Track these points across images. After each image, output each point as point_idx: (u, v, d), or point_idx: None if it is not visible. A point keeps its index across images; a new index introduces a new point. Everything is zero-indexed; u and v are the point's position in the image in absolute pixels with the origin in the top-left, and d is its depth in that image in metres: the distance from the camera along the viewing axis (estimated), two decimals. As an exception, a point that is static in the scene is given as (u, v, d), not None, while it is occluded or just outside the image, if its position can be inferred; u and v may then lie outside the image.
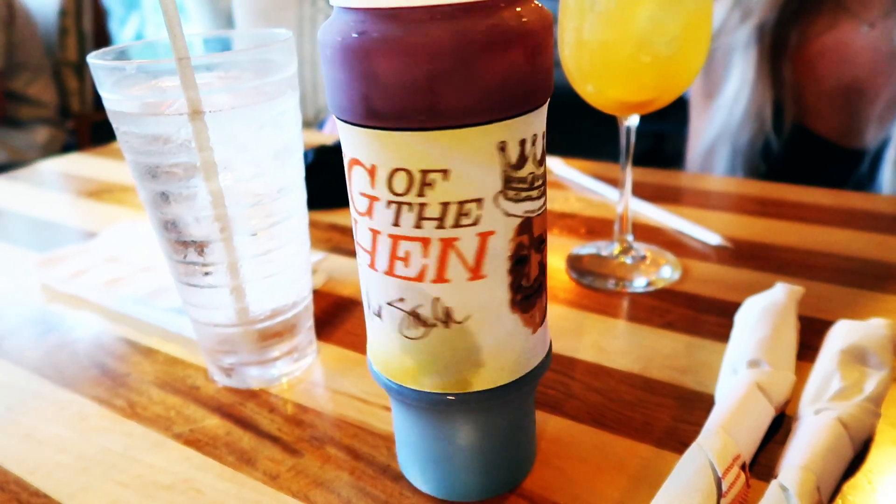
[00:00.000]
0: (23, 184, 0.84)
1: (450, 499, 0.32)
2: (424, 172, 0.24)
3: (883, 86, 0.80)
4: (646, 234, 0.59)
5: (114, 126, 0.36)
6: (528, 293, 0.28)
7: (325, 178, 0.62)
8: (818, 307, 0.46)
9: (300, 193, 0.40)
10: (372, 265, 0.27)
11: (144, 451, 0.37)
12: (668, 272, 0.52)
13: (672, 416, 0.37)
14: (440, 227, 0.25)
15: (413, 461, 0.33)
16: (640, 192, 0.67)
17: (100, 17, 2.39)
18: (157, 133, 0.34)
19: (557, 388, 0.40)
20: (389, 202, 0.25)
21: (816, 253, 0.54)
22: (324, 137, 0.91)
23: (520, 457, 0.33)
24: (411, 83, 0.23)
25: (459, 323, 0.27)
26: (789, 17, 0.81)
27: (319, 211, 0.64)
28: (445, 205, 0.25)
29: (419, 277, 0.26)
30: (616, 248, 0.54)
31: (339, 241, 0.60)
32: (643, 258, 0.53)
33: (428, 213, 0.25)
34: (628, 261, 0.53)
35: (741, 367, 0.37)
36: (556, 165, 0.76)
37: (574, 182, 0.72)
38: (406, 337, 0.28)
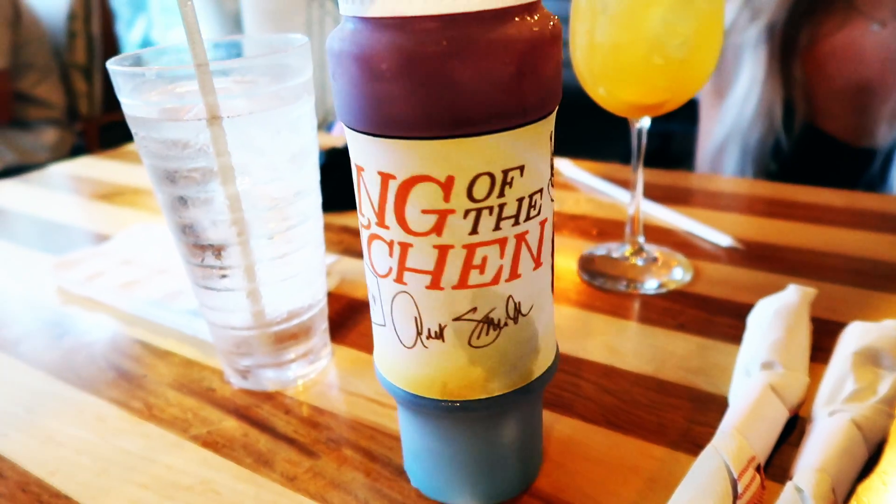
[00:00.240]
0: (35, 187, 0.84)
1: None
2: (505, 172, 0.25)
3: (894, 85, 0.80)
4: (656, 235, 0.59)
5: (132, 131, 0.36)
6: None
7: (337, 180, 0.62)
8: (830, 308, 0.46)
9: (315, 197, 0.40)
10: (435, 285, 0.26)
11: (163, 453, 0.37)
12: (679, 274, 0.52)
13: (686, 417, 0.37)
14: (516, 223, 0.26)
15: (435, 474, 0.32)
16: (650, 193, 0.67)
17: (108, 20, 2.40)
18: (175, 138, 0.35)
19: (571, 390, 0.40)
20: (468, 211, 0.25)
21: (828, 254, 0.54)
22: (333, 139, 0.92)
23: (536, 457, 0.34)
24: (505, 85, 0.23)
25: (525, 315, 0.28)
26: (799, 16, 0.81)
27: (331, 213, 0.65)
28: (520, 200, 0.25)
29: (495, 280, 0.26)
30: (627, 250, 0.54)
31: (351, 244, 0.61)
32: (654, 260, 0.54)
33: (506, 212, 0.25)
34: (640, 262, 0.53)
35: (755, 369, 0.37)
36: (566, 167, 0.76)
37: (583, 183, 0.73)
38: (475, 347, 0.27)
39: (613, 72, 0.46)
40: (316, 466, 0.35)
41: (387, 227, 0.26)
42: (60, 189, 0.85)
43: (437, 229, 0.25)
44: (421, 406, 0.29)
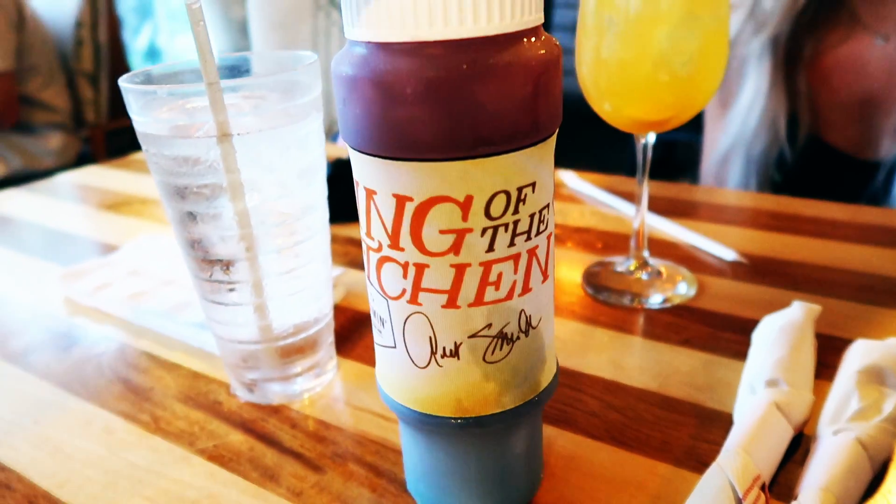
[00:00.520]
0: (42, 195, 0.85)
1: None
2: (520, 189, 0.25)
3: None
4: (660, 248, 0.59)
5: (143, 147, 0.37)
6: None
7: (343, 191, 0.62)
8: (835, 324, 0.46)
9: (323, 212, 0.41)
10: (452, 304, 0.26)
11: (170, 467, 0.37)
12: (683, 288, 0.52)
13: (691, 434, 0.37)
14: (528, 238, 0.26)
15: (444, 492, 0.32)
16: (654, 205, 0.67)
17: (114, 27, 2.41)
18: (186, 155, 0.35)
19: (575, 406, 0.40)
20: (485, 229, 0.25)
21: (832, 269, 0.54)
22: (338, 150, 0.92)
23: (539, 469, 0.34)
24: (523, 104, 0.24)
25: (534, 328, 0.28)
26: (803, 29, 0.82)
27: (337, 224, 0.65)
28: (532, 216, 0.26)
29: (509, 295, 0.27)
30: (632, 264, 0.54)
31: (356, 256, 0.61)
32: (659, 274, 0.54)
33: (520, 228, 0.26)
34: (644, 277, 0.53)
35: (759, 387, 0.37)
36: (570, 179, 0.76)
37: (588, 196, 0.73)
38: (489, 362, 0.27)
39: (619, 88, 0.47)
40: (322, 481, 0.36)
41: (401, 249, 0.26)
42: (67, 198, 0.85)
43: (455, 248, 0.25)
44: (434, 425, 0.29)
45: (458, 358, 0.27)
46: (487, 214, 0.25)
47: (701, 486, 0.31)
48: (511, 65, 0.23)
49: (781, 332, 0.41)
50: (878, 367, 0.37)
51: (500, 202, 0.25)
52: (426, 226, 0.25)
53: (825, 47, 0.83)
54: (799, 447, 0.35)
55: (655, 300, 0.51)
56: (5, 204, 0.82)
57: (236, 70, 0.41)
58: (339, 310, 0.52)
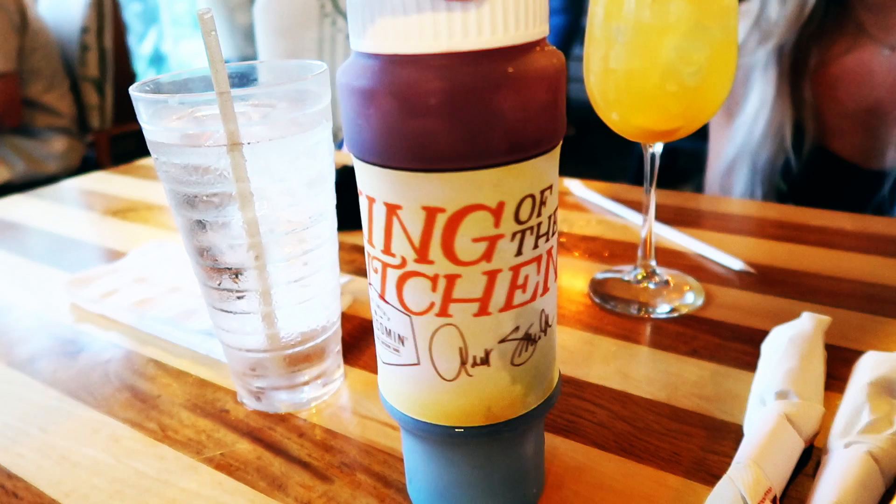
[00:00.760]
0: (48, 201, 0.85)
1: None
2: (542, 192, 0.26)
3: None
4: (667, 257, 0.59)
5: (152, 155, 0.37)
6: None
7: (349, 199, 0.62)
8: (844, 335, 0.46)
9: (332, 220, 0.41)
10: (483, 311, 0.26)
11: (177, 475, 0.37)
12: (691, 298, 0.52)
13: (700, 446, 0.37)
14: (547, 240, 0.27)
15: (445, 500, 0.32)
16: (661, 214, 0.67)
17: (120, 33, 2.42)
18: (196, 163, 0.35)
19: (584, 416, 0.40)
20: (514, 234, 0.26)
21: (840, 279, 0.54)
22: (343, 157, 0.92)
23: (540, 476, 0.34)
24: (546, 110, 0.25)
25: (550, 326, 0.29)
26: (808, 39, 0.82)
27: (343, 232, 0.65)
28: (549, 217, 0.27)
29: (533, 297, 0.27)
30: (639, 273, 0.54)
31: (362, 263, 0.61)
32: (666, 283, 0.54)
33: (542, 230, 0.27)
34: (651, 286, 0.53)
35: (769, 399, 0.37)
36: (576, 187, 0.76)
37: (594, 204, 0.73)
38: (516, 365, 0.28)
39: (627, 98, 0.47)
40: (330, 491, 0.36)
41: (430, 262, 0.26)
42: (73, 204, 0.85)
43: (487, 256, 0.26)
44: (462, 437, 0.29)
45: (489, 365, 0.27)
46: (517, 219, 0.25)
47: (712, 498, 0.31)
48: (539, 71, 0.24)
49: (791, 343, 0.40)
50: (889, 379, 0.37)
51: (527, 206, 0.25)
52: (459, 236, 0.25)
53: (831, 57, 0.83)
54: (809, 460, 0.35)
55: (663, 310, 0.51)
56: (11, 210, 0.82)
57: (245, 78, 0.42)
58: (345, 318, 0.52)
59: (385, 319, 0.28)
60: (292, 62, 0.40)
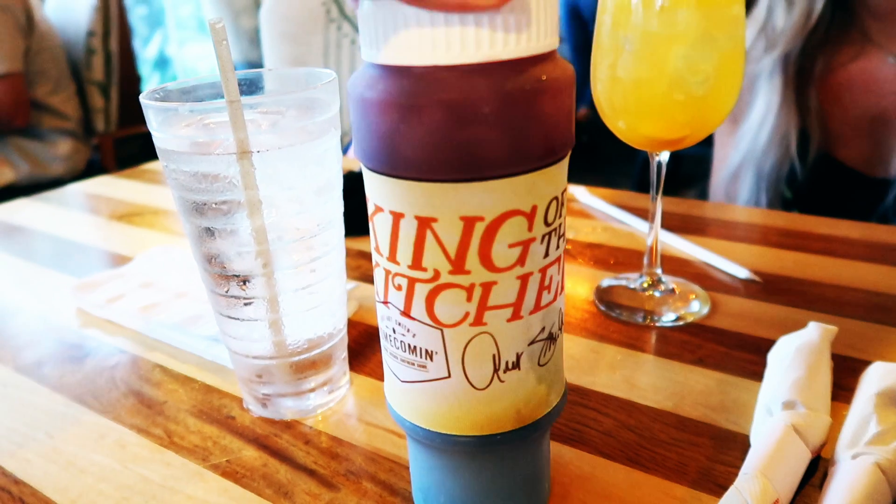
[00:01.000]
0: (53, 205, 0.85)
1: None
2: (562, 193, 0.27)
3: None
4: (673, 265, 0.59)
5: (162, 163, 0.37)
6: None
7: (354, 205, 0.62)
8: (850, 345, 0.46)
9: (339, 228, 0.41)
10: (516, 315, 0.27)
11: (183, 482, 0.37)
12: (696, 306, 0.52)
13: (707, 456, 0.37)
14: (564, 240, 0.28)
15: None
16: (666, 221, 0.67)
17: (125, 37, 2.43)
18: (205, 171, 0.35)
19: (590, 425, 0.40)
20: (543, 236, 0.26)
21: (846, 288, 0.54)
22: (349, 162, 0.92)
23: (548, 482, 0.34)
24: (571, 114, 0.26)
25: (563, 324, 0.30)
26: (814, 46, 0.82)
27: (348, 238, 0.65)
28: (564, 218, 0.28)
29: (555, 296, 0.28)
30: (645, 281, 0.54)
31: (368, 269, 0.61)
32: (672, 291, 0.54)
33: (561, 230, 0.27)
34: (657, 294, 0.53)
35: (776, 409, 0.37)
36: (581, 194, 0.76)
37: (599, 211, 0.73)
38: (541, 365, 0.29)
39: (634, 106, 0.47)
40: (336, 500, 0.36)
41: (466, 272, 0.25)
42: (79, 208, 0.86)
43: (521, 260, 0.26)
44: (494, 444, 0.29)
45: (520, 368, 0.28)
46: (545, 221, 0.26)
47: (719, 509, 0.31)
48: (565, 77, 0.25)
49: (798, 353, 0.40)
50: (896, 390, 0.36)
51: (553, 208, 0.26)
52: (496, 243, 0.25)
53: (836, 64, 0.83)
54: (816, 470, 0.35)
55: (668, 318, 0.51)
56: (16, 213, 0.83)
57: (253, 85, 0.42)
58: (351, 324, 0.52)
59: (408, 337, 0.28)
60: (301, 70, 0.40)
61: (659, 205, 0.52)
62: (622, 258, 0.62)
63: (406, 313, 0.27)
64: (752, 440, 0.37)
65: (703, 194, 1.05)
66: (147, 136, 0.37)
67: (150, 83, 3.67)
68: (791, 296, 0.53)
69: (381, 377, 0.46)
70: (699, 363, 0.45)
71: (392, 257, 0.27)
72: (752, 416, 0.39)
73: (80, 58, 2.00)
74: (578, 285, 0.57)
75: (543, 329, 0.28)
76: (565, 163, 0.27)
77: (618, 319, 0.51)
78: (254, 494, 0.36)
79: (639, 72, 0.45)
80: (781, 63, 0.82)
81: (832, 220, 0.67)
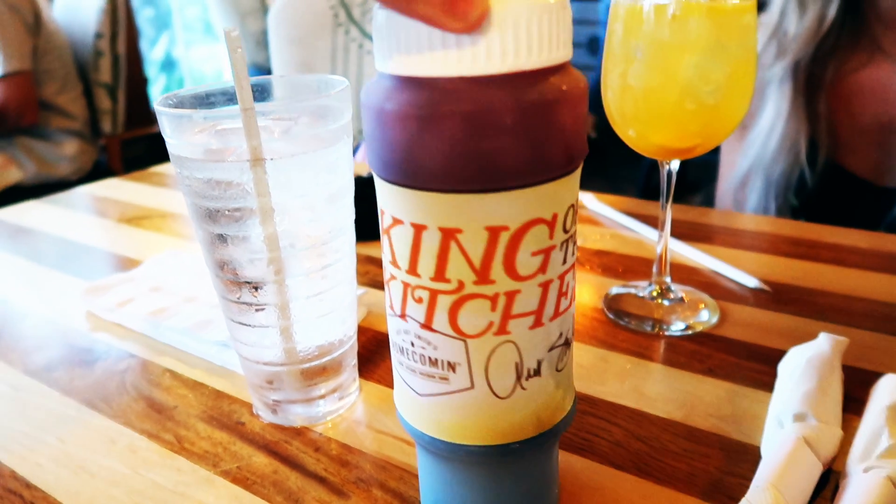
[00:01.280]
0: (61, 208, 0.86)
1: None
2: (576, 201, 0.27)
3: None
4: (681, 273, 0.59)
5: (175, 169, 0.37)
6: None
7: (364, 210, 0.62)
8: (861, 356, 0.45)
9: (350, 235, 0.41)
10: (538, 323, 0.27)
11: (194, 488, 0.37)
12: (706, 316, 0.52)
13: (717, 467, 0.37)
14: (576, 246, 0.28)
15: None
16: (674, 229, 0.67)
17: (133, 39, 2.44)
18: (218, 178, 0.35)
19: (600, 434, 0.40)
20: (562, 243, 0.27)
21: (855, 298, 0.54)
22: (358, 167, 0.92)
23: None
24: (585, 121, 0.26)
25: (573, 329, 0.30)
26: (825, 54, 0.82)
27: (357, 243, 0.65)
28: (576, 225, 0.28)
29: (571, 302, 0.28)
30: (654, 290, 0.54)
31: (376, 275, 0.61)
32: (681, 300, 0.54)
33: (575, 237, 0.28)
34: (666, 303, 0.53)
35: (787, 421, 0.37)
36: (589, 201, 0.76)
37: (607, 218, 0.73)
38: (559, 371, 0.29)
39: (645, 115, 0.47)
40: (347, 507, 0.36)
41: (491, 282, 0.26)
42: (87, 211, 0.86)
43: (543, 267, 0.26)
44: (514, 452, 0.29)
45: (541, 374, 0.28)
46: (564, 228, 0.26)
47: (731, 522, 0.31)
48: (581, 86, 0.26)
49: (809, 364, 0.40)
50: (908, 402, 0.36)
51: (570, 215, 0.27)
52: (520, 251, 0.25)
53: (846, 72, 0.83)
54: (827, 483, 0.35)
55: (677, 327, 0.51)
56: (25, 216, 0.83)
57: (265, 92, 0.42)
58: (360, 330, 0.52)
59: (429, 350, 0.27)
60: (313, 77, 0.41)
61: (668, 213, 0.52)
62: (631, 266, 0.62)
63: (427, 326, 0.27)
64: (763, 452, 0.37)
65: (708, 199, 1.05)
66: (153, 138, 0.37)
67: (157, 85, 3.69)
68: (800, 305, 0.53)
69: (390, 384, 0.46)
70: (709, 373, 0.45)
71: (412, 270, 0.26)
72: (763, 428, 0.39)
73: (88, 59, 2.01)
74: (587, 293, 0.57)
75: (561, 335, 0.28)
76: (580, 170, 0.27)
77: (626, 328, 0.51)
78: (264, 501, 0.36)
79: (650, 80, 0.45)
80: (792, 70, 0.82)
81: (841, 229, 0.67)
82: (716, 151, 0.99)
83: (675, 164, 0.50)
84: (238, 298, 0.39)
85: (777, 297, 0.55)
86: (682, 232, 0.67)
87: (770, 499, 0.31)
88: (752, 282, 0.56)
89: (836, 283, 0.56)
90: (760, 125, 0.86)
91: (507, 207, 0.25)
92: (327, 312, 0.40)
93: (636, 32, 0.45)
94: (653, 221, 0.69)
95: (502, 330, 0.26)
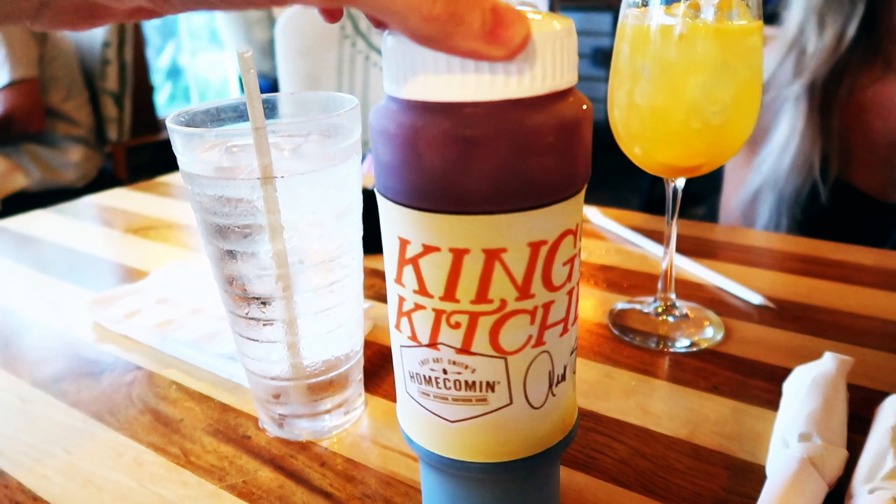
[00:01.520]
0: (68, 217, 0.86)
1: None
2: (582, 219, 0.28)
3: None
4: (686, 289, 0.59)
5: (186, 186, 0.37)
6: None
7: (368, 222, 0.63)
8: (866, 375, 0.46)
9: (358, 251, 0.41)
10: (565, 330, 0.28)
11: (200, 502, 0.38)
12: (710, 332, 0.52)
13: (722, 486, 0.37)
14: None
15: None
16: (679, 245, 0.67)
17: (140, 47, 2.45)
18: (229, 195, 0.36)
19: (605, 452, 0.40)
20: (578, 252, 0.28)
21: (861, 316, 0.54)
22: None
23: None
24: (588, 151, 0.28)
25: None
26: (840, 72, 0.82)
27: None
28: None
29: (577, 307, 0.29)
30: (659, 306, 0.54)
31: (382, 288, 0.61)
32: (685, 317, 0.54)
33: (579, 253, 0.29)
34: (671, 319, 0.53)
35: (792, 440, 0.37)
36: (594, 215, 0.76)
37: (611, 233, 0.73)
38: (573, 373, 0.30)
39: (651, 133, 0.47)
40: (352, 523, 0.36)
41: (531, 296, 0.26)
42: (93, 221, 0.86)
43: (570, 276, 0.27)
44: (548, 458, 0.30)
45: (565, 379, 0.29)
46: (578, 239, 0.28)
47: (736, 543, 0.31)
48: (590, 105, 0.27)
49: (814, 383, 0.40)
50: (913, 423, 0.36)
51: (580, 231, 0.28)
52: (555, 263, 0.26)
53: (858, 88, 0.83)
54: (832, 504, 0.35)
55: (682, 344, 0.51)
56: (31, 225, 0.83)
57: (274, 108, 0.42)
58: (366, 344, 0.52)
59: (465, 374, 0.27)
60: (322, 94, 0.41)
61: (674, 230, 0.52)
62: (635, 281, 0.62)
63: (465, 350, 0.27)
64: (768, 472, 0.37)
65: (711, 211, 1.05)
66: (158, 145, 0.38)
67: (163, 93, 3.70)
68: (805, 323, 0.53)
69: (395, 398, 0.46)
70: (714, 391, 0.45)
71: (448, 296, 0.26)
72: (768, 447, 0.39)
73: (95, 67, 2.02)
74: (592, 308, 0.57)
75: (576, 338, 0.30)
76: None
77: (631, 344, 0.51)
78: (270, 517, 0.36)
79: (656, 99, 0.46)
80: (808, 88, 0.82)
81: (846, 245, 0.67)
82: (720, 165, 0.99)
83: (680, 182, 0.50)
84: (246, 314, 0.39)
85: (782, 314, 0.55)
86: (687, 247, 0.67)
87: (775, 520, 0.31)
88: (756, 299, 0.56)
89: (840, 301, 0.56)
90: (774, 142, 0.86)
91: (546, 222, 0.25)
92: (334, 328, 0.40)
93: (643, 52, 0.45)
94: (657, 236, 0.69)
95: (539, 341, 0.27)
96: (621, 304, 0.57)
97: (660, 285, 0.54)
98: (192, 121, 0.38)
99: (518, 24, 0.23)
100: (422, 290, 0.26)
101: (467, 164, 0.24)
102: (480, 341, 0.26)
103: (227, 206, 0.36)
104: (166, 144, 0.37)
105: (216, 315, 0.55)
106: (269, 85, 2.45)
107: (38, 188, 1.84)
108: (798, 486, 0.34)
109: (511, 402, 0.28)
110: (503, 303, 0.26)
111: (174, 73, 3.79)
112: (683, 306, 0.55)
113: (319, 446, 0.42)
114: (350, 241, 0.40)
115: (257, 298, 0.38)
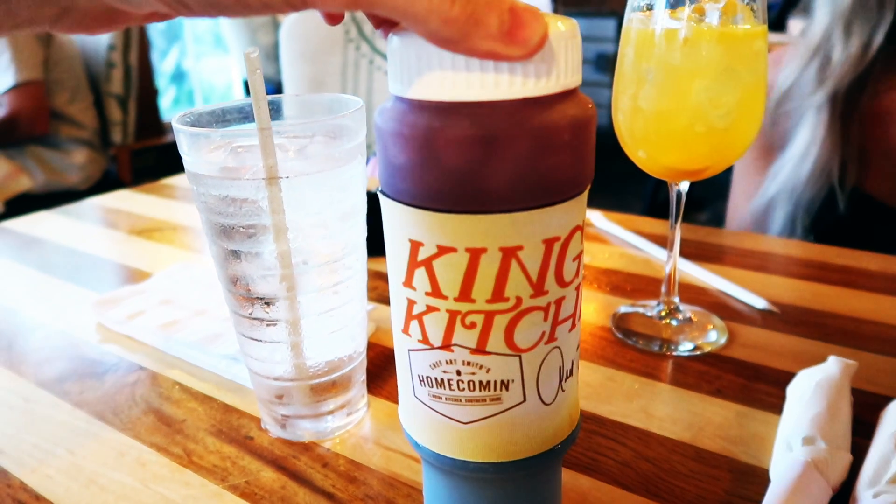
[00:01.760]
0: (72, 219, 0.86)
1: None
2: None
3: None
4: (690, 293, 0.59)
5: (191, 186, 0.38)
6: None
7: (372, 224, 0.63)
8: (870, 379, 0.45)
9: (362, 252, 0.41)
10: (573, 324, 0.28)
11: (202, 502, 0.38)
12: (714, 336, 0.52)
13: (726, 490, 0.37)
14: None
15: None
16: (682, 248, 0.67)
17: (144, 50, 2.46)
18: (234, 196, 0.36)
19: (608, 455, 0.40)
20: (581, 252, 0.28)
21: (865, 321, 0.54)
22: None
23: None
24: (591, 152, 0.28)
25: None
26: (862, 80, 0.81)
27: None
28: None
29: (579, 303, 0.29)
30: (662, 310, 0.54)
31: (385, 290, 0.61)
32: (689, 320, 0.54)
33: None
34: (674, 323, 0.53)
35: (796, 444, 0.37)
36: (597, 219, 0.76)
37: (614, 236, 0.73)
38: (577, 367, 0.30)
39: (655, 137, 0.47)
40: (355, 524, 0.36)
41: (545, 293, 0.26)
42: (97, 222, 0.87)
43: (577, 271, 0.28)
44: (556, 455, 0.30)
45: (573, 374, 0.30)
46: (581, 241, 0.28)
47: (740, 546, 0.31)
48: (594, 104, 0.27)
49: (818, 387, 0.40)
50: (918, 428, 0.36)
51: (584, 224, 0.28)
52: (567, 259, 0.27)
53: (878, 96, 0.82)
54: (837, 508, 0.35)
55: (685, 348, 0.51)
56: (36, 226, 0.84)
57: (279, 110, 0.42)
58: (368, 345, 0.52)
59: (480, 374, 0.27)
60: (327, 96, 0.41)
61: (678, 233, 0.52)
62: (639, 285, 0.62)
63: (480, 350, 0.27)
64: (772, 475, 0.37)
65: (715, 216, 1.05)
66: (162, 149, 0.38)
67: (167, 96, 3.72)
68: (809, 327, 0.53)
69: (398, 400, 0.46)
70: (717, 394, 0.45)
71: (464, 297, 0.26)
72: (772, 451, 0.39)
73: (101, 70, 2.03)
74: (595, 312, 0.57)
75: (580, 333, 0.30)
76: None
77: (634, 347, 0.51)
78: (273, 517, 0.36)
79: (660, 103, 0.46)
80: (830, 97, 0.81)
81: (850, 250, 0.67)
82: (726, 170, 0.99)
83: (684, 186, 0.50)
84: (250, 314, 0.39)
85: (785, 318, 0.55)
86: (691, 251, 0.67)
87: (779, 523, 0.31)
88: (760, 303, 0.56)
89: (845, 306, 0.56)
90: (793, 150, 0.85)
91: (560, 219, 0.26)
92: (338, 329, 0.40)
93: (648, 56, 0.45)
94: (661, 240, 0.69)
95: (552, 338, 0.27)
96: (624, 307, 0.57)
97: (663, 289, 0.54)
98: (198, 121, 0.39)
99: (535, 24, 0.23)
100: (435, 292, 0.26)
101: (489, 163, 0.24)
102: (496, 340, 0.26)
103: (231, 207, 0.36)
104: (170, 148, 0.37)
105: (219, 316, 0.55)
106: (274, 89, 2.46)
107: (41, 190, 1.85)
108: (802, 490, 0.33)
109: (524, 400, 0.28)
110: (518, 300, 0.26)
111: (178, 76, 3.80)
112: (687, 310, 0.55)
113: (322, 447, 0.42)
114: (354, 243, 0.40)
115: (261, 299, 0.38)
